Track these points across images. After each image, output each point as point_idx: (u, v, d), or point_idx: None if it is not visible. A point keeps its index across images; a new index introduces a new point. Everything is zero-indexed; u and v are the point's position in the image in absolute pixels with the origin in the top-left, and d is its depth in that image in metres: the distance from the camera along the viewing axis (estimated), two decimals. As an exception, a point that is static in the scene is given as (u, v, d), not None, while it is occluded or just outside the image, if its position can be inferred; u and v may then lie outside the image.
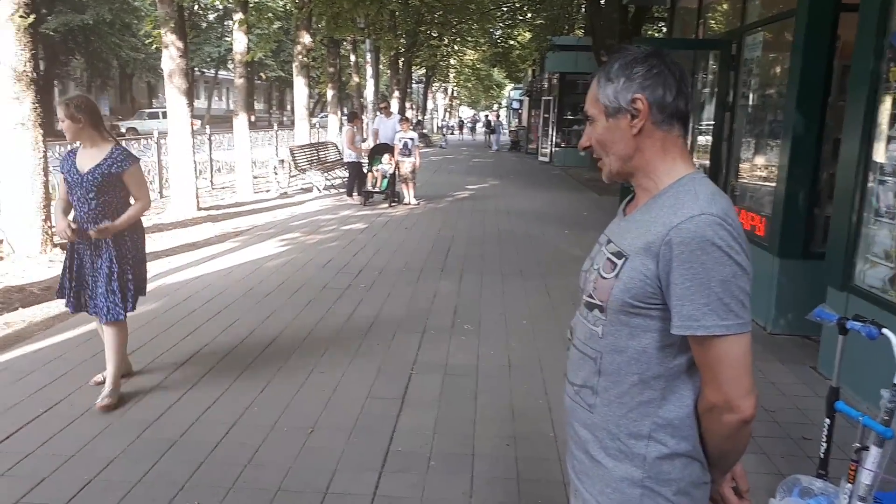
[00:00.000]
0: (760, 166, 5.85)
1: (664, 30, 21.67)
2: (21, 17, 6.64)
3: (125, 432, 3.32)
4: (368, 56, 21.87)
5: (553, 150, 23.46)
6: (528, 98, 35.24)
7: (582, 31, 27.19)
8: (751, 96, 5.85)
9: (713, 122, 6.45)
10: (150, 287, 5.95)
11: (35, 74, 6.88)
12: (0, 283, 5.88)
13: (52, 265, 6.55)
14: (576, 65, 21.34)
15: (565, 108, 23.00)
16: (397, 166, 11.71)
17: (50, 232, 7.04)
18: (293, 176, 13.77)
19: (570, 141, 23.34)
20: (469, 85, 56.60)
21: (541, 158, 24.80)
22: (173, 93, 9.76)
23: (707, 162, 6.73)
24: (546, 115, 24.32)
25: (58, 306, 5.35)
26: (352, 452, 3.21)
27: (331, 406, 3.71)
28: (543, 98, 25.51)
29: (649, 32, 23.38)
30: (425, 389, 3.97)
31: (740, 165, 6.19)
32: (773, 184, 5.31)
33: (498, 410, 3.70)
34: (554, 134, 23.43)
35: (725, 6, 7.25)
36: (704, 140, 7.31)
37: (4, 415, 3.47)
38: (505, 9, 28.42)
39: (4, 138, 6.72)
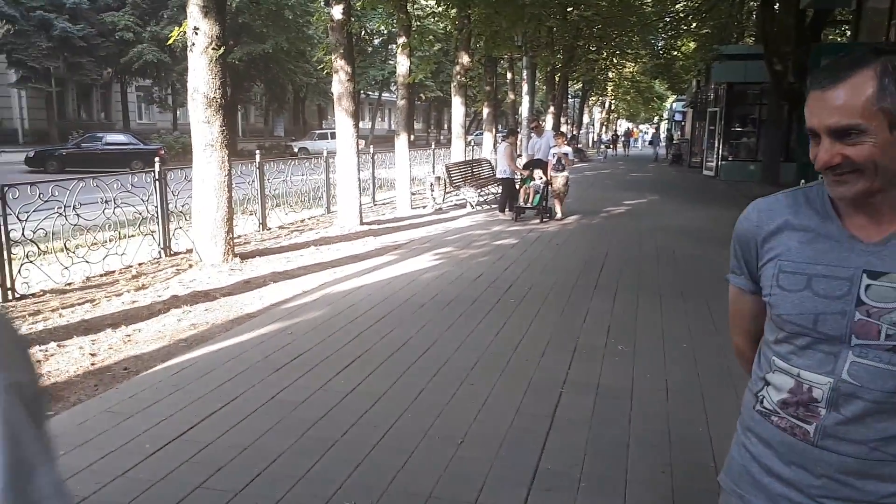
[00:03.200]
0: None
1: (847, 34, 19.89)
2: (213, 49, 7.39)
3: (292, 430, 3.56)
4: (525, 73, 22.04)
5: (719, 163, 22.26)
6: (691, 110, 33.79)
7: (752, 39, 25.63)
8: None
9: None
10: (317, 295, 6.43)
11: (223, 100, 7.62)
12: (189, 289, 6.55)
13: (232, 273, 7.20)
14: (745, 75, 20.19)
15: (733, 119, 21.78)
16: (550, 182, 11.67)
17: (232, 243, 7.74)
18: (448, 192, 14.14)
19: (739, 154, 22.05)
20: (628, 98, 55.19)
21: (705, 172, 23.64)
22: (342, 115, 10.40)
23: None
24: (712, 128, 23.16)
25: (237, 310, 5.88)
26: (500, 466, 3.21)
27: (480, 418, 3.75)
28: (709, 110, 24.33)
29: (830, 37, 21.59)
30: (576, 409, 3.89)
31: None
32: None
33: (654, 436, 3.55)
34: (720, 147, 22.23)
35: (922, 3, 6.54)
36: None
37: (190, 407, 3.85)
38: (668, 19, 27.48)
39: (196, 158, 7.51)
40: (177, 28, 8.04)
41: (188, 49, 7.47)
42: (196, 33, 7.35)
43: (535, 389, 4.17)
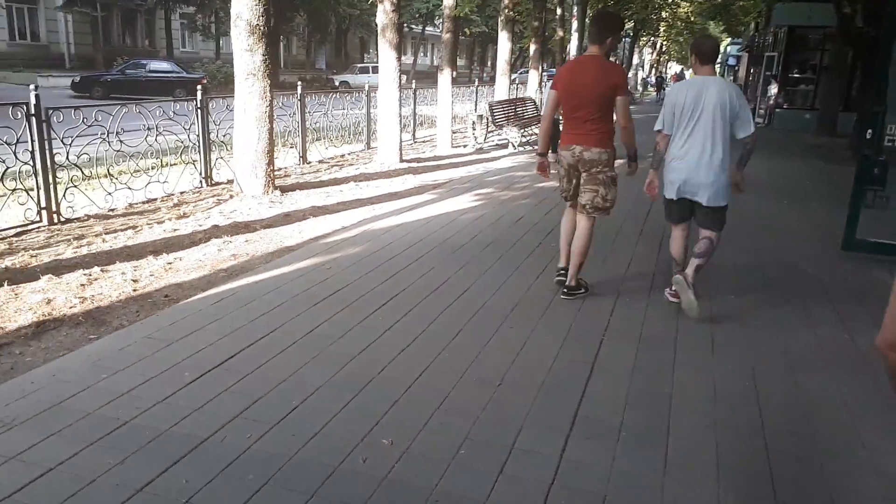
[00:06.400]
0: None
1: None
2: (257, -25, 7.17)
3: (330, 364, 3.55)
4: (575, 9, 21.21)
5: (773, 111, 21.35)
6: (747, 54, 32.34)
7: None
8: None
9: None
10: (355, 231, 6.38)
11: (266, 28, 7.44)
12: (229, 219, 6.56)
13: (272, 205, 7.19)
14: (809, 17, 19.07)
15: (791, 65, 20.75)
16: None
17: (273, 175, 7.70)
18: (490, 132, 13.85)
19: (794, 102, 21.10)
20: (681, 39, 53.02)
21: (757, 120, 22.76)
22: (385, 47, 10.13)
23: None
24: (768, 73, 22.13)
25: (276, 243, 5.86)
26: (539, 412, 3.16)
27: (518, 362, 3.68)
28: (766, 54, 23.22)
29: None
30: (618, 357, 3.80)
31: None
32: None
33: (698, 389, 3.45)
34: (777, 93, 21.27)
35: None
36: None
37: (229, 337, 3.86)
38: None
39: (238, 87, 7.40)
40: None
41: (231, -27, 7.28)
42: (240, -43, 7.13)
43: (576, 336, 4.08)
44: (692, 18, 43.31)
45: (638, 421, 3.11)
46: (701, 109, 4.26)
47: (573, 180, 4.69)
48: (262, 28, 7.31)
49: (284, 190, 7.91)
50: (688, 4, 38.23)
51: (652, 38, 52.87)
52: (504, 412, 3.15)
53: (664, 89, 40.38)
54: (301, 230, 6.32)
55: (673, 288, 4.52)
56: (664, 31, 48.67)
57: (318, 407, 3.13)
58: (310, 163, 10.26)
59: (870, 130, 5.70)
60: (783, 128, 20.05)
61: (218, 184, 8.13)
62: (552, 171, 4.96)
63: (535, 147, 13.24)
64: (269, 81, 7.47)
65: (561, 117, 4.74)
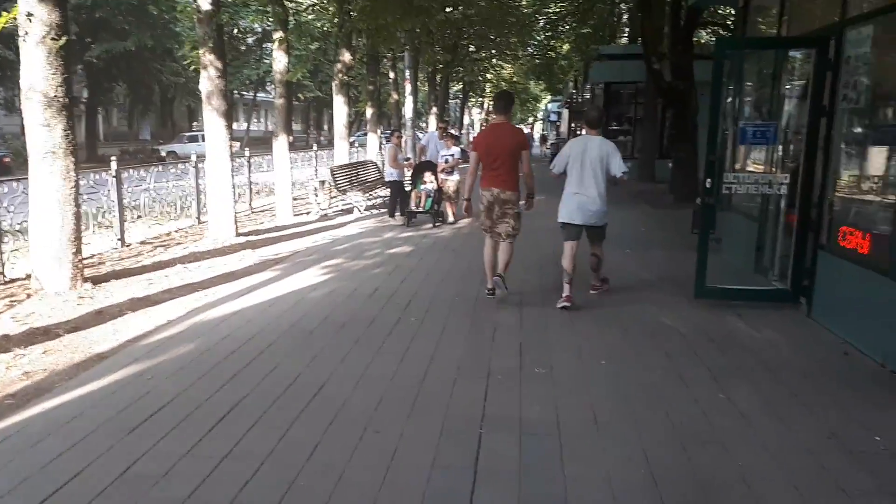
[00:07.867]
0: (871, 177, 5.10)
1: (719, 34, 20.70)
2: (52, 39, 6.26)
3: (149, 519, 2.76)
4: (408, 73, 21.51)
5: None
6: (567, 109, 34.62)
7: (626, 40, 26.49)
8: (857, 98, 5.11)
9: (805, 129, 5.72)
10: (184, 325, 5.53)
11: (66, 100, 6.47)
12: (24, 325, 5.44)
13: (81, 302, 6.11)
14: (622, 74, 20.65)
15: (610, 118, 22.24)
16: (440, 185, 11.20)
17: (81, 265, 6.63)
18: (333, 197, 13.33)
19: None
20: (506, 99, 55.90)
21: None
22: (212, 115, 9.38)
23: (787, 175, 5.99)
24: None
25: (84, 350, 4.88)
26: (421, 547, 2.59)
27: (391, 478, 3.10)
28: (585, 109, 24.85)
29: (695, 39, 22.55)
30: (500, 455, 3.33)
31: (841, 177, 5.44)
32: (891, 198, 4.58)
33: (594, 485, 3.04)
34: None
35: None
36: (789, 150, 6.58)
37: (10, 496, 2.95)
38: (544, 21, 27.84)
39: (33, 168, 6.35)
40: (5, 14, 6.74)
41: (21, 39, 6.29)
42: (30, 20, 6.19)
43: (451, 432, 3.57)
44: (515, 78, 45.94)
45: (537, 540, 2.64)
46: (587, 160, 5.91)
47: (492, 214, 6.06)
48: (60, 100, 6.35)
49: (97, 281, 6.83)
50: (511, 66, 40.46)
51: (479, 99, 55.40)
52: (379, 556, 2.55)
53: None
54: (116, 330, 5.36)
55: (564, 294, 5.99)
56: (490, 91, 51.23)
57: (132, 588, 2.36)
58: (129, 245, 9.11)
59: (708, 179, 5.83)
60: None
61: (13, 281, 6.87)
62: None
63: (383, 210, 12.97)
64: (73, 159, 6.49)
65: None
